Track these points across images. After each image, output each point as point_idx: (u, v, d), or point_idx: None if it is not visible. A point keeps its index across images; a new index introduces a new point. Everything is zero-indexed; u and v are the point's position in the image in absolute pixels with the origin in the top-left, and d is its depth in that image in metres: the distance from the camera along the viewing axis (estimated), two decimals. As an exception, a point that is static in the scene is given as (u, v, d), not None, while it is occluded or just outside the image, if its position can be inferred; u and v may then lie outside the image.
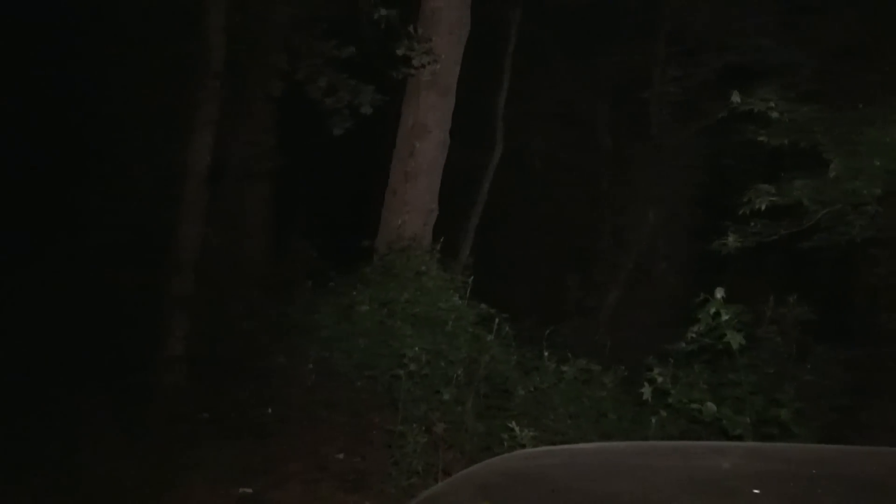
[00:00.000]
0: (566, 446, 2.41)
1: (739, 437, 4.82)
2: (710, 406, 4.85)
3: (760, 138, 6.30)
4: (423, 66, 7.47)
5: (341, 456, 5.33)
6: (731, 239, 6.12)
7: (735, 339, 4.81)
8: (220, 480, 4.74)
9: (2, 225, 7.32)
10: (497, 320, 5.87)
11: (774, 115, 5.99)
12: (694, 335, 5.14)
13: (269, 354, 6.26)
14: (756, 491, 1.72)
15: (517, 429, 4.84)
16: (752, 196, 5.77)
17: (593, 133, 13.64)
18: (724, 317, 4.85)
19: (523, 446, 4.88)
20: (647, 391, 5.12)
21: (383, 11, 7.05)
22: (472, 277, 6.11)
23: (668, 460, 2.20)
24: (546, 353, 6.06)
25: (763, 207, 5.78)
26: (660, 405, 5.23)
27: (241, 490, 4.88)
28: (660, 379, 5.03)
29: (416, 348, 5.22)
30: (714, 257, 12.18)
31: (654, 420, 5.36)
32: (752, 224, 6.06)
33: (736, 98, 6.07)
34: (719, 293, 5.00)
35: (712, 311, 4.91)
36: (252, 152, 8.14)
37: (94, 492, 4.33)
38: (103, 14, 7.95)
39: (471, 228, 10.68)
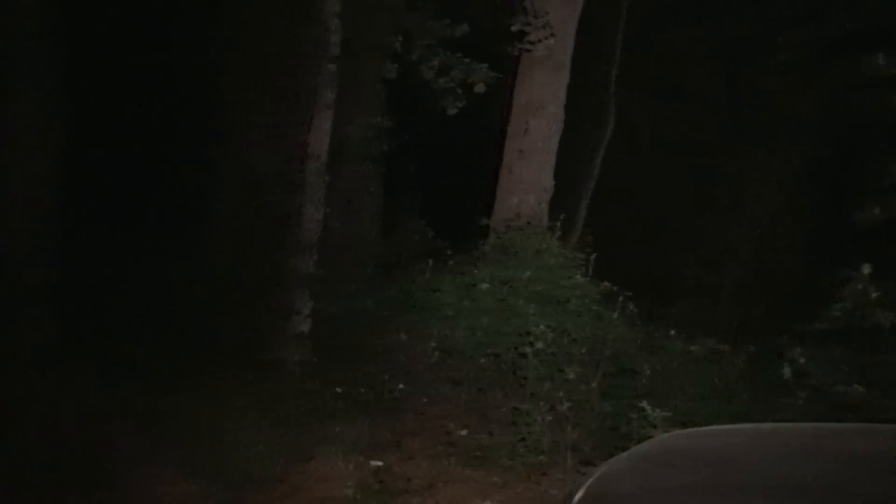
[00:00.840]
0: (736, 426, 2.29)
1: (891, 423, 4.55)
2: (858, 388, 4.59)
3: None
4: (539, 41, 7.36)
5: (466, 432, 5.36)
6: (877, 211, 5.74)
7: (887, 318, 4.54)
8: (353, 453, 4.86)
9: (134, 209, 7.75)
10: (621, 298, 5.76)
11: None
12: (837, 314, 4.89)
13: (391, 332, 6.36)
14: None
15: (648, 409, 4.74)
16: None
17: (708, 106, 13.10)
18: (873, 294, 4.59)
19: (654, 427, 4.78)
20: (787, 371, 4.91)
21: (497, -14, 6.98)
22: (594, 255, 6.00)
23: (850, 443, 2.08)
24: (672, 332, 5.91)
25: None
26: (799, 387, 5.01)
27: (372, 463, 5.00)
28: (801, 359, 4.81)
29: (542, 326, 5.18)
30: (839, 233, 11.55)
31: (791, 402, 5.14)
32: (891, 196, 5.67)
33: (881, 61, 5.68)
34: (866, 269, 4.73)
35: (859, 288, 4.65)
36: (367, 134, 8.25)
37: (235, 463, 4.52)
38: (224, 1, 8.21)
39: (582, 206, 10.49)
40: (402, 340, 6.35)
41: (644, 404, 4.78)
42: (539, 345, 5.08)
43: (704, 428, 2.13)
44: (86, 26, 7.55)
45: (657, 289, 8.62)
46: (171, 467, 4.59)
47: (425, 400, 5.72)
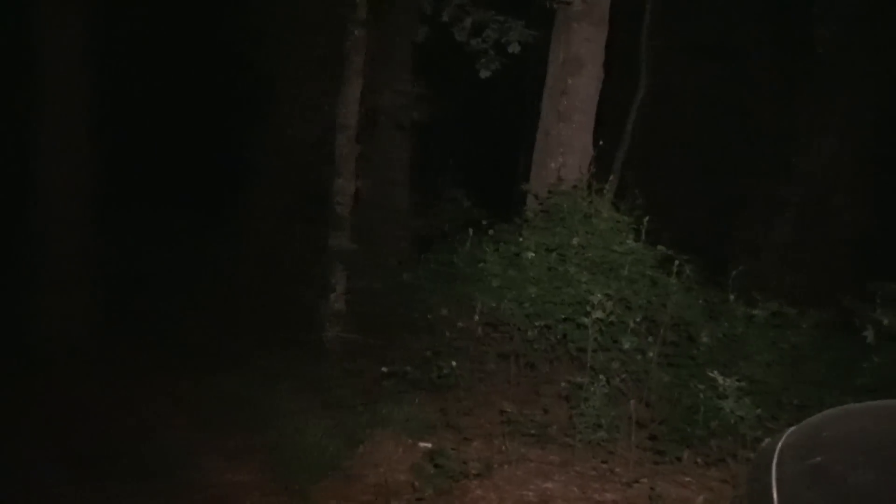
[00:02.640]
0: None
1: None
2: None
3: None
4: (577, -7, 6.94)
5: (519, 410, 5.07)
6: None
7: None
8: (404, 435, 4.61)
9: (172, 189, 7.56)
10: (677, 262, 5.38)
11: None
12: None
13: (432, 306, 6.07)
14: None
15: (720, 378, 4.39)
16: None
17: (750, 61, 12.53)
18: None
19: (726, 398, 4.45)
20: (869, 334, 4.53)
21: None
22: (647, 218, 5.62)
23: None
24: (732, 297, 5.53)
25: None
26: (881, 350, 4.63)
27: (421, 444, 4.75)
28: (885, 321, 4.42)
29: (599, 295, 4.84)
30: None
31: (870, 366, 4.78)
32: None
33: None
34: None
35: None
36: (399, 102, 7.93)
37: (285, 449, 4.30)
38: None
39: (616, 169, 10.06)
40: (445, 315, 6.05)
41: (715, 373, 4.43)
42: (598, 314, 4.75)
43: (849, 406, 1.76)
44: (122, 3, 7.34)
45: (710, 252, 8.23)
46: (221, 455, 4.39)
47: (474, 377, 5.44)
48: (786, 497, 1.18)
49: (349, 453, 4.37)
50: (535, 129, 7.65)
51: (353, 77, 7.44)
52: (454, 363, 5.00)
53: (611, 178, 6.13)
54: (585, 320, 4.81)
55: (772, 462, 1.31)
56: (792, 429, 1.54)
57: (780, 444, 1.40)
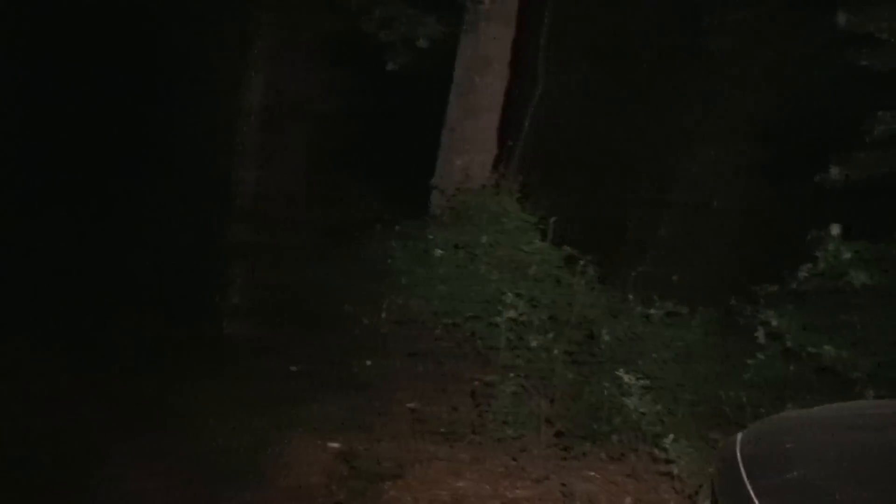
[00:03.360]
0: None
1: (858, 381, 4.53)
2: (829, 349, 4.54)
3: (863, 62, 5.82)
4: (487, -8, 6.99)
5: (428, 408, 5.08)
6: (835, 172, 5.70)
7: (859, 278, 4.49)
8: (316, 437, 4.53)
9: (62, 172, 7.03)
10: (582, 262, 5.54)
11: (884, 36, 5.51)
12: (807, 274, 4.82)
13: (338, 302, 5.99)
14: None
15: (625, 377, 4.56)
16: (874, 124, 5.33)
17: (640, 67, 13.04)
18: (846, 254, 4.52)
19: (630, 395, 4.62)
20: (760, 334, 4.83)
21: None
22: (554, 219, 5.75)
23: None
24: (631, 296, 5.76)
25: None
26: (771, 349, 4.94)
27: (331, 445, 4.68)
28: (775, 322, 4.72)
29: (511, 294, 4.92)
30: (779, 196, 11.73)
31: (758, 363, 5.08)
32: (861, 155, 5.63)
33: (842, 19, 5.59)
34: (836, 230, 4.66)
35: (830, 248, 4.58)
36: (305, 91, 7.73)
37: (196, 453, 4.12)
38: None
39: (513, 168, 10.24)
40: (350, 312, 5.98)
41: (620, 372, 4.60)
42: (511, 313, 4.82)
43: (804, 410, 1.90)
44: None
45: (605, 251, 8.51)
46: (126, 460, 4.15)
47: (382, 375, 5.40)
48: None
49: (259, 456, 4.25)
50: (443, 125, 7.67)
51: (257, 63, 7.21)
52: (356, 360, 4.96)
53: (517, 177, 6.20)
54: (498, 319, 4.87)
55: (740, 475, 1.35)
56: (740, 438, 1.61)
57: (737, 456, 1.46)
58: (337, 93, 7.90)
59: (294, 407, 4.84)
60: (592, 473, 4.65)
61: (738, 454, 1.41)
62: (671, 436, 4.26)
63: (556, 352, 5.25)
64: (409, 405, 5.20)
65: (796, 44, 9.27)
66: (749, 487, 1.27)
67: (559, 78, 11.62)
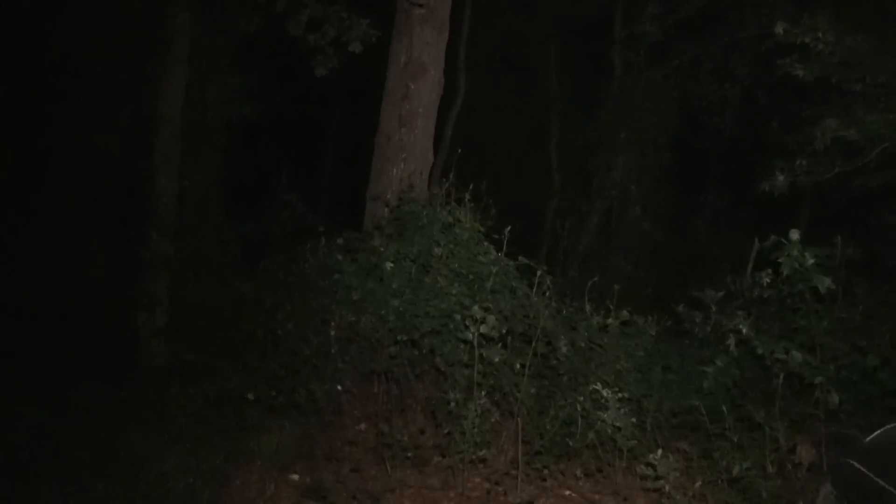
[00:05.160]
0: None
1: (818, 386, 4.56)
2: (796, 355, 4.56)
3: (797, 72, 5.99)
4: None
5: (389, 431, 4.75)
6: (781, 179, 5.82)
7: (823, 283, 4.53)
8: (274, 469, 4.11)
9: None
10: (539, 273, 5.37)
11: (820, 46, 5.67)
12: (768, 280, 4.84)
13: (280, 320, 5.54)
14: None
15: (604, 391, 4.41)
16: (820, 131, 5.46)
17: (551, 78, 13.21)
18: (810, 260, 4.56)
19: (606, 409, 4.48)
20: (731, 342, 4.80)
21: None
22: (509, 228, 5.54)
23: None
24: (589, 307, 5.63)
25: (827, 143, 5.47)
26: (741, 356, 4.93)
27: (291, 477, 4.27)
28: (744, 329, 4.70)
29: (477, 307, 4.68)
30: (689, 204, 12.11)
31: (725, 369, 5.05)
32: (800, 163, 5.77)
33: (780, 29, 5.73)
34: (795, 235, 4.69)
35: (794, 253, 4.61)
36: (227, 95, 7.22)
37: (148, 496, 3.61)
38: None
39: (435, 176, 10.05)
40: (292, 330, 5.55)
41: (598, 386, 4.45)
42: (483, 328, 4.57)
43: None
44: None
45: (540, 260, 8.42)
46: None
47: (335, 398, 5.02)
48: None
49: (219, 495, 3.79)
50: (374, 132, 7.35)
51: (175, 65, 6.67)
52: (307, 384, 4.60)
53: (471, 186, 5.95)
54: (468, 334, 4.61)
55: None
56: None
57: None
58: (261, 98, 7.42)
59: (243, 437, 4.40)
60: (568, 492, 4.47)
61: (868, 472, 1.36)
62: (659, 451, 4.13)
63: (520, 366, 5.05)
64: (364, 429, 4.86)
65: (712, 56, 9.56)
66: None
67: (476, 86, 11.60)
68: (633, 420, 4.55)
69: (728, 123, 10.38)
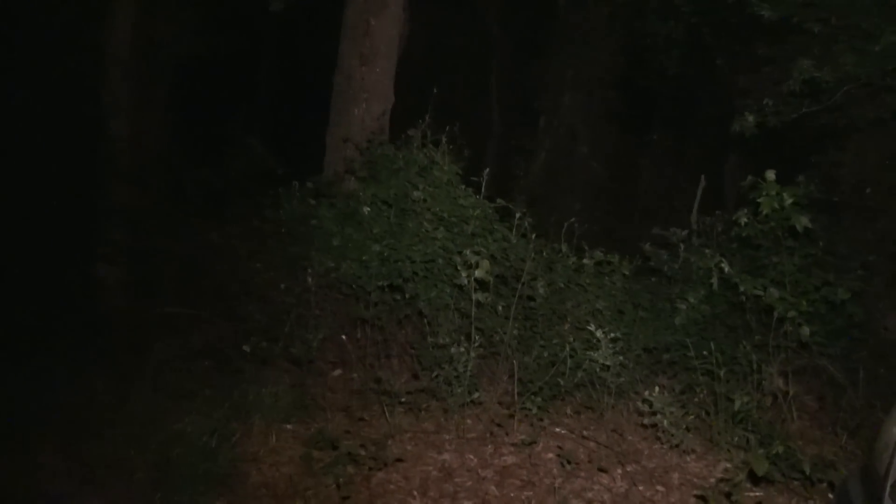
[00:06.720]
0: None
1: (790, 320, 4.77)
2: (773, 291, 4.75)
3: (763, 12, 6.07)
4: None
5: (388, 378, 4.74)
6: (751, 119, 5.94)
7: (801, 222, 4.70)
8: (270, 420, 4.07)
9: None
10: (518, 215, 5.37)
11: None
12: (747, 220, 4.98)
13: (258, 270, 5.40)
14: None
15: (597, 331, 4.50)
16: (797, 71, 5.57)
17: (493, 17, 13.02)
18: (789, 200, 4.71)
19: (597, 350, 4.57)
20: (714, 281, 4.95)
21: None
22: (487, 170, 5.49)
23: None
24: (564, 246, 5.67)
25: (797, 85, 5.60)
26: (710, 293, 5.10)
27: (288, 426, 4.24)
28: (726, 268, 4.85)
29: (468, 251, 4.66)
30: (635, 142, 12.28)
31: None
32: (767, 103, 5.91)
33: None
34: (771, 175, 4.82)
35: (772, 193, 4.74)
36: (179, 32, 6.80)
37: (157, 460, 3.50)
38: None
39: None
40: (271, 279, 5.42)
41: (592, 327, 4.53)
42: (478, 274, 4.55)
43: None
44: None
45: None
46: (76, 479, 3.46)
47: (324, 347, 4.97)
48: None
49: (221, 452, 3.71)
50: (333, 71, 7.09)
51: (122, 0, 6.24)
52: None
53: (448, 128, 5.82)
54: (463, 279, 4.60)
55: None
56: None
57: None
58: (213, 35, 7.04)
59: (238, 390, 4.31)
60: (560, 430, 4.58)
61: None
62: (656, 389, 4.27)
63: (502, 308, 5.08)
64: (370, 375, 4.83)
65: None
66: None
67: (418, 25, 11.32)
68: (621, 359, 4.66)
69: (673, 62, 10.46)
